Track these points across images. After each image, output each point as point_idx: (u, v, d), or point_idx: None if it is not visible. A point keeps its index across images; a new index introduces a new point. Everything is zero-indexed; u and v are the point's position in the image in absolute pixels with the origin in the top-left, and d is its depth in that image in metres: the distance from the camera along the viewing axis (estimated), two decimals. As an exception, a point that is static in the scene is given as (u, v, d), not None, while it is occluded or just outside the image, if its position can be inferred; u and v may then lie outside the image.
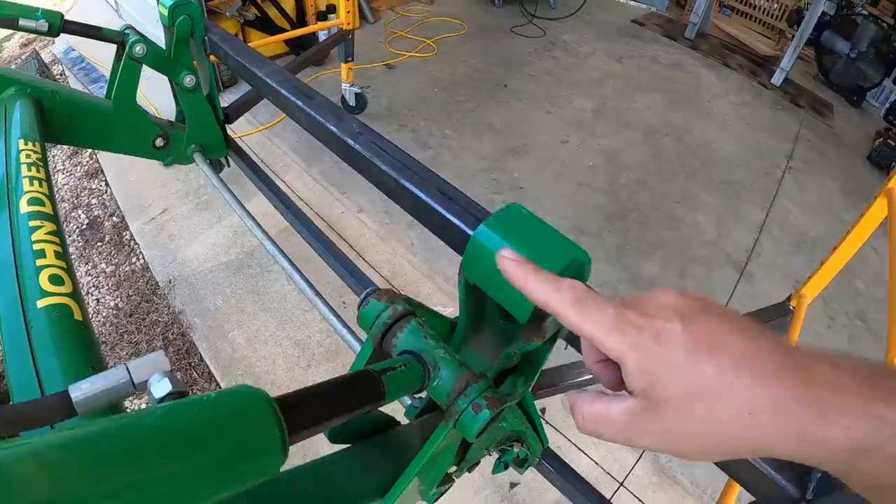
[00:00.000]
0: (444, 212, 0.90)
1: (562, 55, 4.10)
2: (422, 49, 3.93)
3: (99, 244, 2.45)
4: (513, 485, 1.81)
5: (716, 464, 0.83)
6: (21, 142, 1.13)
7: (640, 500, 1.85)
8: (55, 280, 0.83)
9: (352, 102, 3.01)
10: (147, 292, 2.21)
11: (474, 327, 0.82)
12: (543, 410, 1.99)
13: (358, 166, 1.10)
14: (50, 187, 1.06)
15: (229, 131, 2.04)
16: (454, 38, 4.16)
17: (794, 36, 4.60)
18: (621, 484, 1.90)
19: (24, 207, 0.96)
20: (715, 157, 3.45)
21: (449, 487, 0.87)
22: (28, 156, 1.10)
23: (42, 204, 0.98)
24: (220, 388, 1.95)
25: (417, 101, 3.37)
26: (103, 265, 2.35)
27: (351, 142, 1.10)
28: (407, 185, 0.96)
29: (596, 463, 1.93)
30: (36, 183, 1.03)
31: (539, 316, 0.65)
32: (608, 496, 1.32)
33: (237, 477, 0.42)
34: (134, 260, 2.36)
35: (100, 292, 2.25)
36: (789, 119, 4.23)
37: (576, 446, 1.93)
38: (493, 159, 3.03)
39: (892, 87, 5.16)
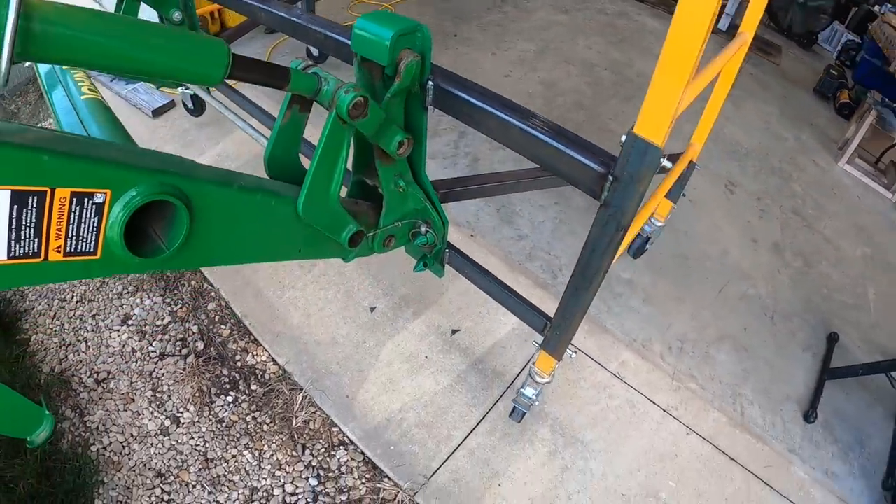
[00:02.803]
0: (333, 34, 1.45)
1: (511, 9, 4.56)
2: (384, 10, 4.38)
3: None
4: (454, 331, 2.23)
5: (527, 156, 1.20)
6: None
7: (573, 345, 2.23)
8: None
9: (315, 54, 3.47)
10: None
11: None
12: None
13: (299, 33, 1.59)
14: None
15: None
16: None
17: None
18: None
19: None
20: (652, 87, 3.89)
21: (359, 247, 1.28)
22: None
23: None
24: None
25: (374, 51, 3.81)
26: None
27: (295, 19, 1.60)
28: (318, 28, 1.48)
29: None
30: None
31: (396, 61, 1.14)
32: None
33: (189, 71, 0.87)
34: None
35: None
36: (733, 57, 4.69)
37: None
38: (440, 92, 3.46)
39: (843, 31, 5.66)
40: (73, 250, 0.85)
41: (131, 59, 0.79)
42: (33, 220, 0.79)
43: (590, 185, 1.12)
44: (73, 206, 0.82)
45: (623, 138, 1.04)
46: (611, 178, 1.07)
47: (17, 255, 0.80)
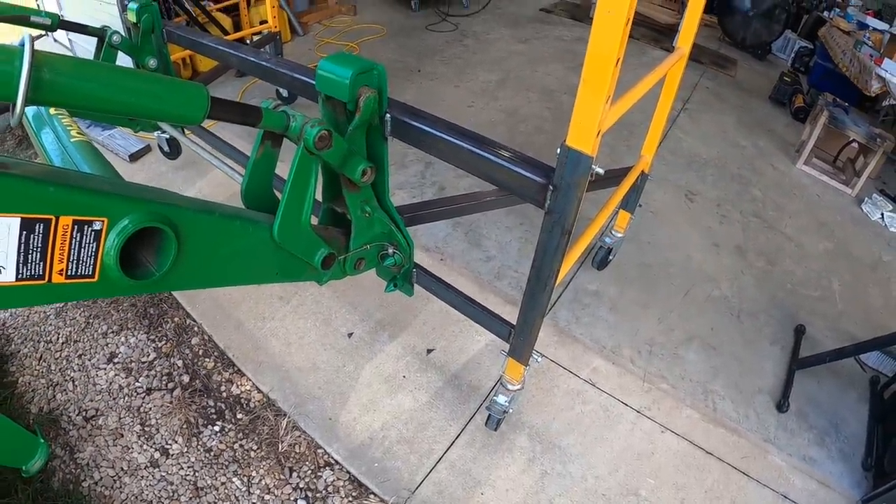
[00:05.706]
0: (299, 75, 1.62)
1: (471, 43, 4.85)
2: (346, 51, 4.61)
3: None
4: (429, 350, 2.36)
5: (477, 175, 1.37)
6: None
7: (543, 355, 2.32)
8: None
9: (285, 94, 3.67)
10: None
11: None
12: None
13: (268, 76, 1.76)
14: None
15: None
16: (375, 39, 4.86)
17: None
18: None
19: (51, 111, 1.57)
20: (612, 108, 4.15)
21: (331, 270, 1.42)
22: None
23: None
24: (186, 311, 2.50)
25: (342, 89, 4.04)
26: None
27: (264, 63, 1.77)
28: (286, 71, 1.65)
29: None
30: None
31: (356, 98, 1.31)
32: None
33: (174, 112, 1.02)
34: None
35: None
36: (689, 73, 4.96)
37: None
38: (406, 124, 3.68)
39: (795, 39, 6.00)
40: (73, 273, 0.99)
41: (126, 104, 0.95)
42: (39, 245, 0.93)
43: (534, 195, 1.29)
44: (75, 233, 0.95)
45: (558, 151, 1.20)
46: (551, 187, 1.24)
47: (24, 277, 0.93)
